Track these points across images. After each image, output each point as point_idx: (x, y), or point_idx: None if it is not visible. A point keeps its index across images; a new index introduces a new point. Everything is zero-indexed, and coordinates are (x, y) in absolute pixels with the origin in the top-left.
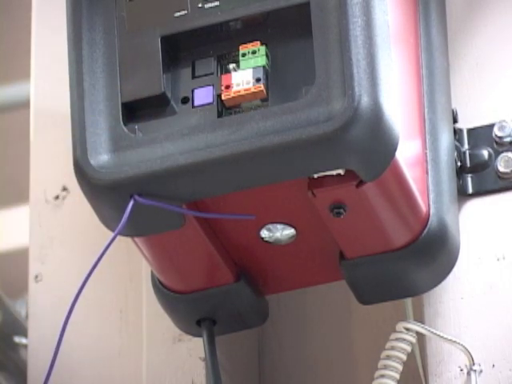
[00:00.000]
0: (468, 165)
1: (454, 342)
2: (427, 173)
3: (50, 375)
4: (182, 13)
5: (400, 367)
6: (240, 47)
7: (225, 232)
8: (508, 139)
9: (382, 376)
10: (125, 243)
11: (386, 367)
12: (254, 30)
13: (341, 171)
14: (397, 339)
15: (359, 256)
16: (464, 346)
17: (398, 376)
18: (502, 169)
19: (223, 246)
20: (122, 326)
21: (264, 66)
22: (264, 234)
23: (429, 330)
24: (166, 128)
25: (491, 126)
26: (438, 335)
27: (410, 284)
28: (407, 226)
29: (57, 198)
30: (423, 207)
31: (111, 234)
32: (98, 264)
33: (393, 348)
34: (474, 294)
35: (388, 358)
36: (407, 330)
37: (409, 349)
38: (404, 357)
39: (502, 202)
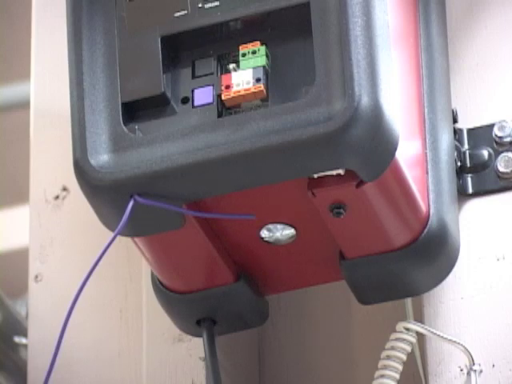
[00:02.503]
0: (468, 165)
1: (454, 342)
2: (427, 173)
3: (50, 375)
4: (182, 13)
5: (400, 367)
6: (240, 47)
7: (225, 232)
8: (508, 139)
9: (382, 376)
10: (125, 243)
11: (386, 367)
12: (254, 30)
13: (341, 171)
14: (397, 339)
15: (359, 256)
16: (464, 346)
17: (398, 376)
18: (501, 169)
19: (223, 245)
20: (122, 325)
21: (264, 66)
22: (264, 233)
23: (429, 330)
24: (166, 128)
25: (491, 126)
26: (438, 335)
27: (410, 284)
28: (407, 226)
29: (57, 198)
30: (423, 207)
31: (111, 234)
32: (97, 264)
33: (393, 348)
34: (474, 293)
35: (388, 358)
36: (407, 329)
37: (409, 349)
38: (404, 357)
39: (502, 202)
